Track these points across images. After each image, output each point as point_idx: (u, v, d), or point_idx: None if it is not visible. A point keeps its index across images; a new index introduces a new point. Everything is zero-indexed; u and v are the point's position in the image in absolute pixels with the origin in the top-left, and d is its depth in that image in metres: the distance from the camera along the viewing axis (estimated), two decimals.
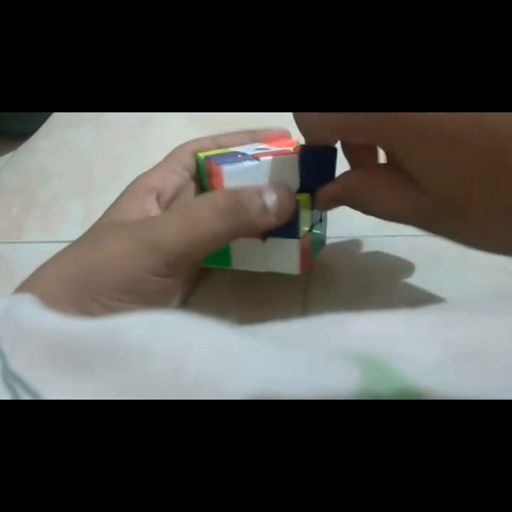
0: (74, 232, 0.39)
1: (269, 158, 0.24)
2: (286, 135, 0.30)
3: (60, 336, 0.12)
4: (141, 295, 0.23)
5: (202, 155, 0.28)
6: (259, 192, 0.23)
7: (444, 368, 0.11)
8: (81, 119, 0.48)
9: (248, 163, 0.24)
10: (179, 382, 0.10)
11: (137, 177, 0.28)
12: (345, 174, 0.25)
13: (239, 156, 0.26)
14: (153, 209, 0.26)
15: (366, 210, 0.24)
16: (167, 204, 0.27)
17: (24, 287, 0.24)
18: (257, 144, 0.29)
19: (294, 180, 0.25)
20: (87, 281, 0.22)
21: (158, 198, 0.27)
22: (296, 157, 0.25)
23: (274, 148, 0.27)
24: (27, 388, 0.11)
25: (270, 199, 0.23)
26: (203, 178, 0.28)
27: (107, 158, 0.43)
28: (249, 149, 0.27)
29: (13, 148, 0.47)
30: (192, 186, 0.28)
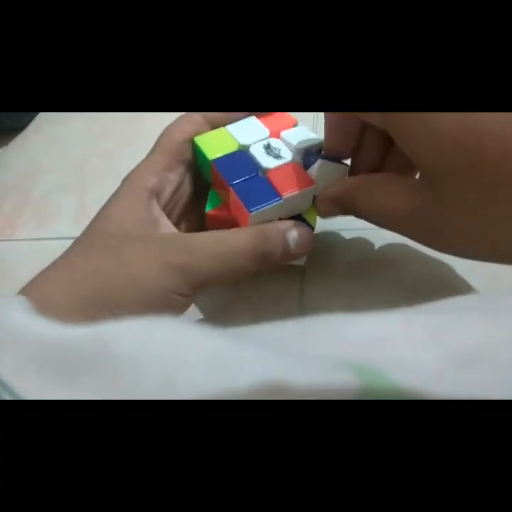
0: (67, 229, 0.38)
1: (290, 195, 0.25)
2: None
3: (49, 343, 0.12)
4: (158, 309, 0.23)
5: (204, 149, 0.27)
6: (284, 233, 0.25)
7: (445, 374, 0.11)
8: (72, 113, 0.47)
9: (272, 204, 0.25)
10: (169, 391, 0.10)
11: (132, 174, 0.27)
12: (345, 179, 0.26)
13: (251, 171, 0.26)
14: (160, 216, 0.26)
15: (365, 213, 0.25)
16: (167, 203, 0.27)
17: (29, 290, 0.23)
18: (253, 121, 0.28)
19: (308, 204, 0.27)
20: (108, 294, 0.23)
21: (157, 198, 0.26)
22: (312, 189, 0.26)
23: (278, 146, 0.27)
24: (14, 396, 0.11)
25: (294, 239, 0.25)
26: (206, 172, 0.28)
27: (99, 152, 0.43)
28: (251, 139, 0.27)
29: (4, 144, 0.46)
30: (189, 182, 0.28)
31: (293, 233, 0.25)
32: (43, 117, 0.48)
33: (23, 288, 0.24)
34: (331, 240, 0.31)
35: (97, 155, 0.43)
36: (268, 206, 0.25)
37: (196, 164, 0.28)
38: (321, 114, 0.39)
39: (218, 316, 0.30)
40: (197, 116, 0.28)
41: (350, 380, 0.10)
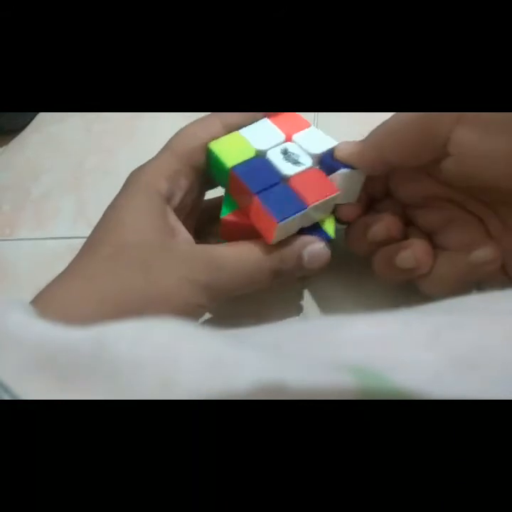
0: (67, 229, 0.38)
1: (315, 204, 0.25)
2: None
3: (48, 345, 0.12)
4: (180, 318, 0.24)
5: (221, 156, 0.26)
6: (301, 251, 0.25)
7: (444, 374, 0.11)
8: (71, 113, 0.47)
9: (297, 215, 0.24)
10: (169, 392, 0.10)
11: (142, 173, 0.26)
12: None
13: (273, 178, 0.25)
14: (176, 223, 0.26)
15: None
16: (175, 209, 0.27)
17: (48, 301, 0.23)
18: (267, 124, 0.27)
19: (328, 212, 0.26)
20: (135, 308, 0.23)
21: (168, 203, 0.26)
22: (335, 196, 0.25)
23: (297, 152, 0.26)
24: (13, 397, 0.11)
25: (310, 256, 0.25)
26: (220, 178, 0.27)
27: (98, 152, 0.43)
28: (267, 144, 0.26)
29: (4, 144, 0.46)
30: (197, 189, 0.28)
31: (310, 251, 0.25)
32: (42, 117, 0.48)
33: (38, 296, 0.23)
34: (331, 240, 0.31)
35: (96, 154, 0.43)
36: (293, 217, 0.24)
37: (208, 170, 0.27)
38: (322, 114, 0.39)
39: (215, 316, 0.30)
40: (213, 122, 0.27)
41: (350, 381, 0.10)
